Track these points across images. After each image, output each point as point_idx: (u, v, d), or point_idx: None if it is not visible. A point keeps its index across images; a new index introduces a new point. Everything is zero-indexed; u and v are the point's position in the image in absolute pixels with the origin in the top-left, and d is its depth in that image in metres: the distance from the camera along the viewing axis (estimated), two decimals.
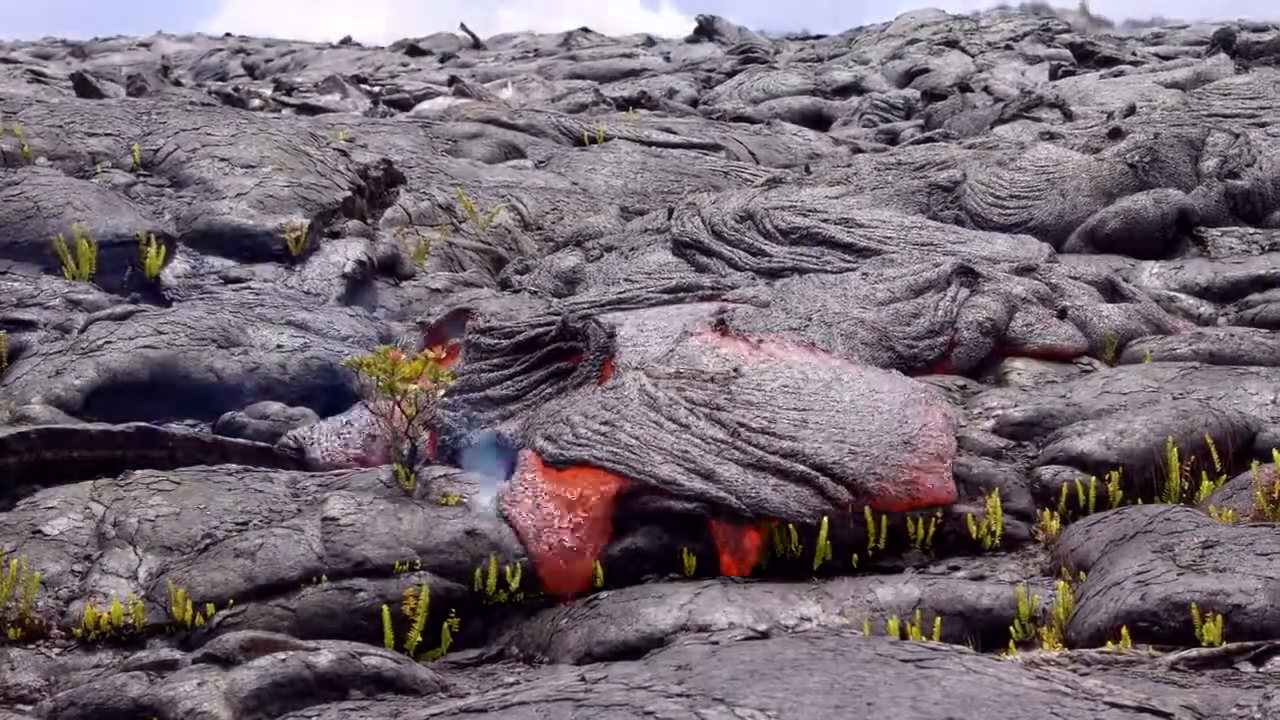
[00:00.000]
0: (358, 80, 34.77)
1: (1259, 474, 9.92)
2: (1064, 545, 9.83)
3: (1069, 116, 23.47)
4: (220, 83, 36.40)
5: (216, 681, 7.76)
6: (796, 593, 9.38)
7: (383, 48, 51.31)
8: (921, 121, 29.36)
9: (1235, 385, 11.45)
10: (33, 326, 13.50)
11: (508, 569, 9.79)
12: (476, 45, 50.14)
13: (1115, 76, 30.60)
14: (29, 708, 8.53)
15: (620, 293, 13.99)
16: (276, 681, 7.78)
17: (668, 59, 42.84)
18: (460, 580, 9.88)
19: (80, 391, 12.42)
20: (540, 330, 11.54)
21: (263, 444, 11.66)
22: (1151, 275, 15.40)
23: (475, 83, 32.99)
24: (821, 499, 9.93)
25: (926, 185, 17.76)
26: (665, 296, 13.70)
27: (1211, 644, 7.97)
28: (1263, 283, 14.96)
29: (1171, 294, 14.80)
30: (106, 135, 17.48)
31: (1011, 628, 9.02)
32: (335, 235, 16.36)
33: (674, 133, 25.17)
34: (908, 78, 35.22)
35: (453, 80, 33.35)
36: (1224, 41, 33.00)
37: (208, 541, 9.99)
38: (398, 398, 10.60)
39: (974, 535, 10.11)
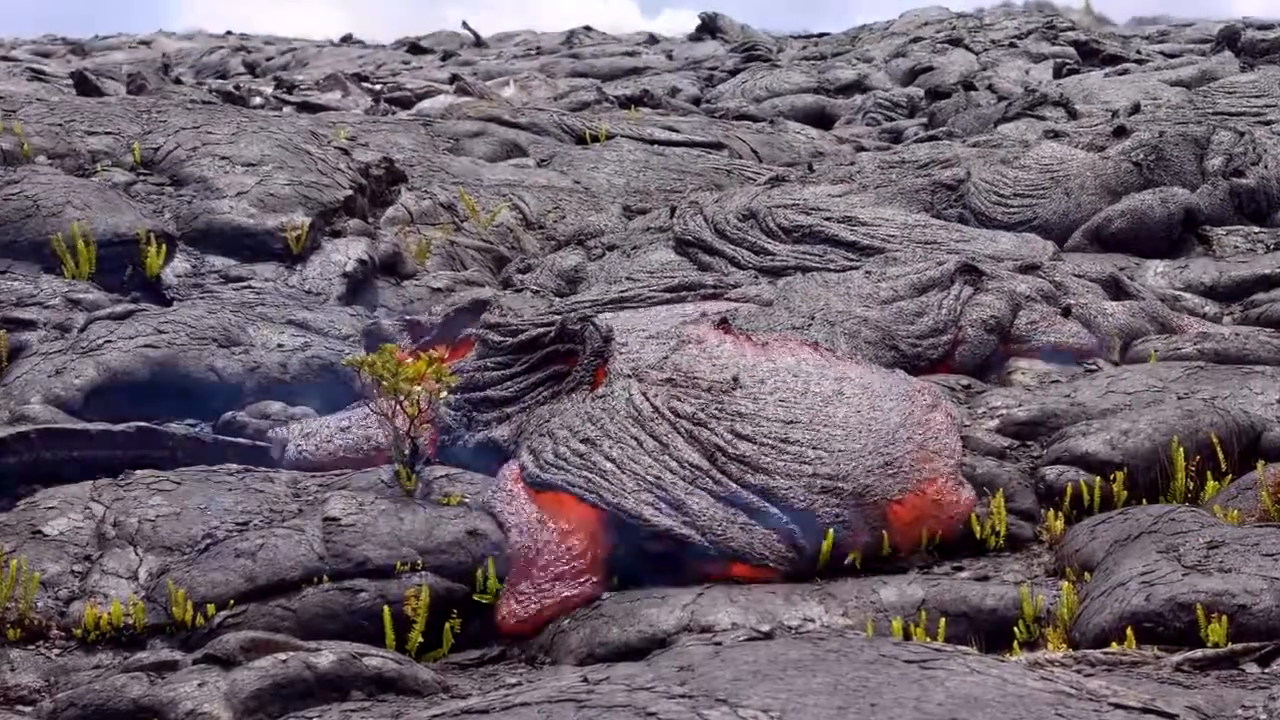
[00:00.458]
0: (359, 78, 34.72)
1: (1264, 474, 9.91)
2: (1068, 545, 9.80)
3: (1073, 115, 23.43)
4: (221, 81, 36.38)
5: (217, 682, 7.74)
6: (800, 593, 9.35)
7: (384, 45, 51.32)
8: (925, 120, 29.32)
9: (1240, 385, 11.42)
10: (32, 326, 13.47)
11: None
12: (478, 43, 50.13)
13: (1120, 74, 30.57)
14: (29, 708, 8.52)
15: (622, 291, 13.96)
16: (277, 682, 7.75)
17: (670, 57, 42.82)
18: (462, 581, 9.86)
19: (80, 391, 12.39)
20: (541, 330, 11.44)
21: (263, 444, 11.64)
22: (1156, 274, 15.39)
23: (477, 81, 32.95)
24: (788, 546, 9.71)
25: (930, 184, 17.74)
26: (668, 295, 13.66)
27: (1217, 645, 7.96)
28: (1268, 282, 14.94)
29: (1176, 293, 14.79)
30: (106, 133, 17.46)
31: (1016, 628, 8.99)
32: (336, 234, 16.33)
33: (676, 131, 25.15)
34: (911, 76, 35.19)
35: (454, 78, 33.31)
36: (1229, 39, 32.99)
37: (208, 542, 9.97)
38: (400, 398, 10.56)
39: (978, 535, 10.07)
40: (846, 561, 9.68)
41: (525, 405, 11.06)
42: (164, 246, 15.08)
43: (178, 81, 31.32)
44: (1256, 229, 16.63)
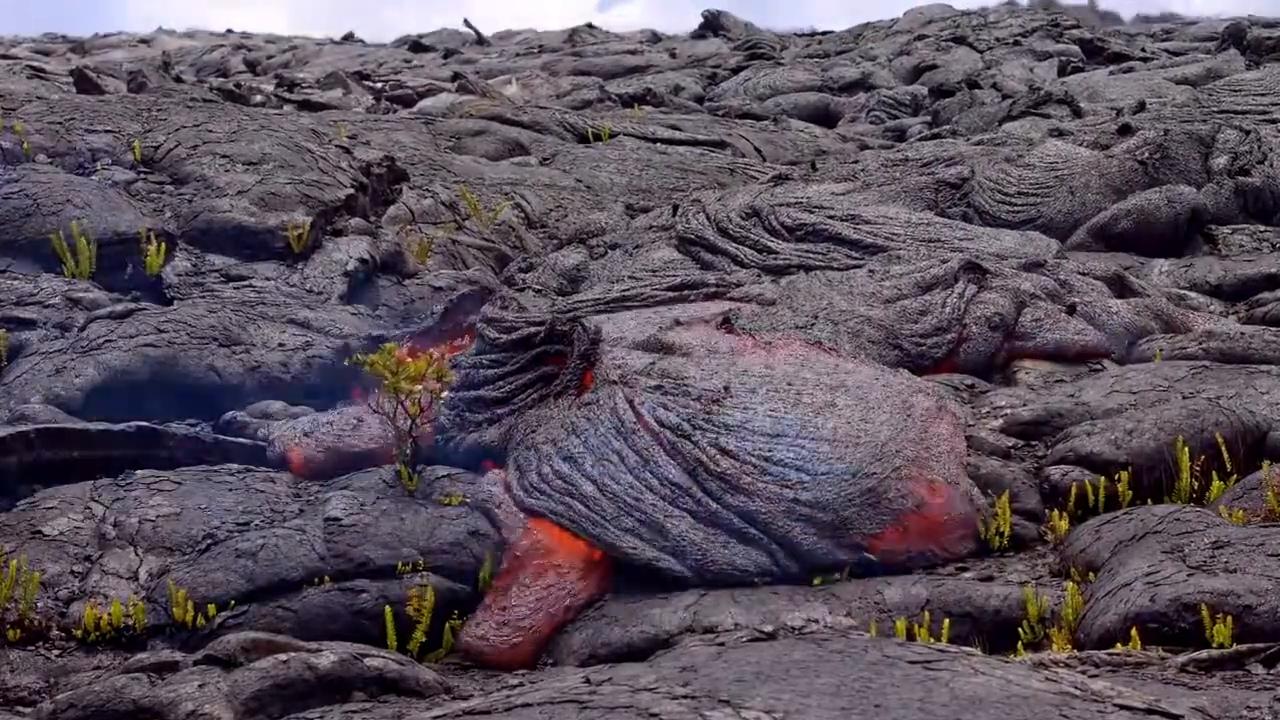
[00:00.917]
0: (360, 76, 34.73)
1: (1270, 474, 9.88)
2: (1073, 546, 9.77)
3: (1078, 113, 23.39)
4: (221, 79, 36.33)
5: (218, 683, 7.71)
6: (803, 594, 9.34)
7: (385, 44, 51.36)
8: (929, 118, 29.28)
9: (1246, 384, 11.38)
10: (32, 325, 13.42)
11: None
12: (480, 41, 50.13)
13: (1125, 73, 30.53)
14: (28, 710, 8.50)
15: (624, 290, 13.92)
16: (278, 683, 7.72)
17: (673, 55, 42.79)
18: (464, 581, 9.84)
19: (80, 390, 12.35)
20: (533, 330, 11.29)
21: (264, 443, 11.60)
22: (1161, 273, 15.35)
23: (479, 79, 32.93)
24: (771, 562, 9.62)
25: (934, 182, 17.71)
26: (670, 294, 13.62)
27: (1222, 645, 7.92)
28: (1273, 281, 14.92)
29: (1182, 292, 14.74)
30: (107, 132, 17.40)
31: (1020, 629, 8.96)
32: (337, 233, 16.28)
33: (679, 129, 25.11)
34: (915, 74, 35.13)
35: (456, 76, 33.30)
36: (1235, 37, 32.93)
37: (209, 542, 9.96)
38: (402, 397, 10.53)
39: (982, 535, 10.04)
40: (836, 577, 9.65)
41: (515, 407, 10.90)
42: (164, 245, 15.03)
43: (178, 80, 31.28)
44: (1262, 228, 16.59)
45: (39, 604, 9.40)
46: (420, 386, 10.45)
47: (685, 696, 6.13)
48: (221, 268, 15.22)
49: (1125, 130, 18.10)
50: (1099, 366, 12.62)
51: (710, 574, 9.55)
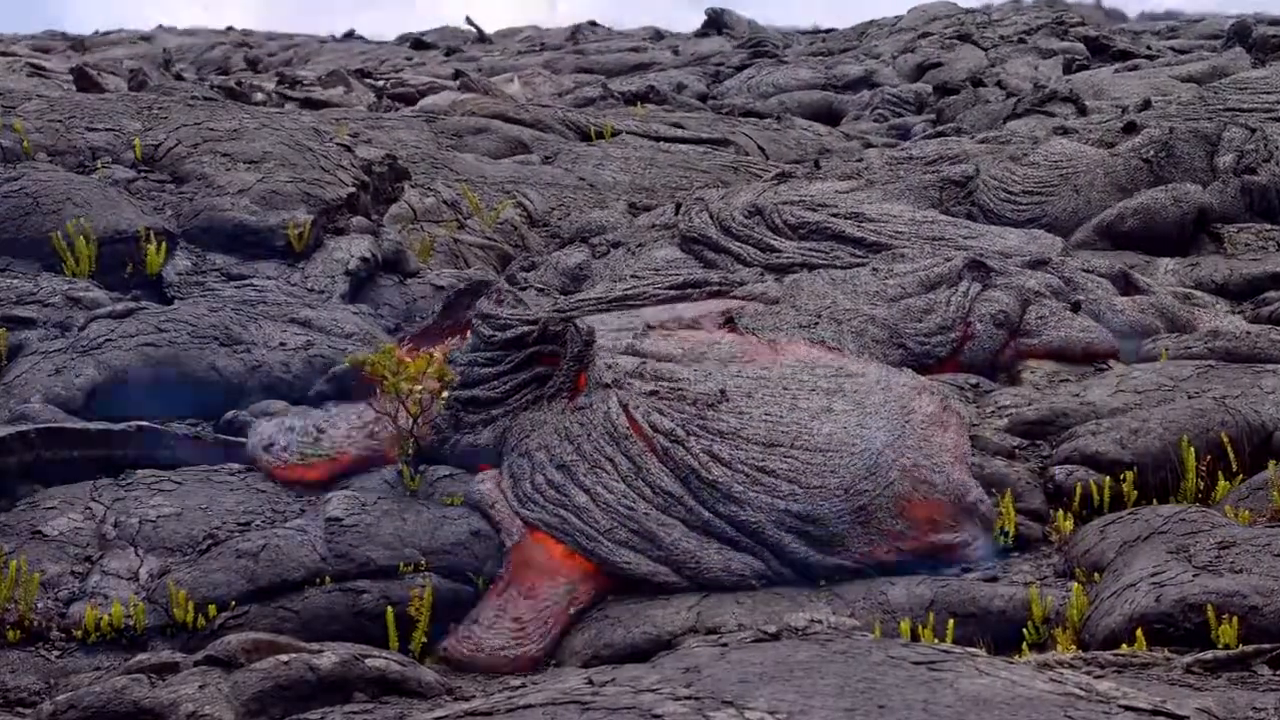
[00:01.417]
0: (362, 74, 34.68)
1: (1276, 473, 9.84)
2: (1078, 546, 9.74)
3: (1083, 111, 23.32)
4: (222, 77, 36.26)
5: (219, 684, 7.69)
6: (806, 594, 9.32)
7: (387, 41, 51.36)
8: (933, 116, 29.22)
9: (1252, 384, 11.33)
10: (32, 324, 13.40)
11: None
12: (482, 39, 50.11)
13: (1130, 70, 30.45)
14: (28, 711, 8.49)
15: (627, 289, 13.86)
16: (279, 684, 7.70)
17: (676, 53, 42.76)
18: (466, 581, 9.84)
19: (80, 390, 12.32)
20: (526, 329, 11.20)
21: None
22: (1167, 272, 15.31)
23: (481, 77, 32.89)
24: (766, 567, 9.59)
25: (938, 180, 17.66)
26: (673, 293, 13.57)
27: (1228, 646, 7.89)
28: (1279, 280, 14.85)
29: (1187, 291, 14.69)
30: (107, 130, 17.36)
31: (1025, 629, 8.95)
32: (339, 231, 16.23)
33: (682, 127, 25.08)
34: (919, 72, 35.07)
35: (458, 74, 33.26)
36: (1240, 35, 32.87)
37: (210, 542, 9.94)
38: (403, 397, 10.50)
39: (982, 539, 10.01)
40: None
41: (510, 408, 10.83)
42: (165, 244, 15.00)
43: (179, 77, 31.28)
44: (1268, 226, 16.52)
45: (39, 604, 9.38)
46: (420, 386, 10.42)
47: (688, 697, 6.10)
48: (222, 266, 15.19)
49: (1130, 128, 18.04)
50: (1104, 366, 12.57)
51: (706, 581, 9.52)
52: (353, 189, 17.04)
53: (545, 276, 16.34)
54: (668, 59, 41.34)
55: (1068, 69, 32.28)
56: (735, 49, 41.54)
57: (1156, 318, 13.41)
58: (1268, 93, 20.14)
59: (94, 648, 9.21)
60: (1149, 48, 36.12)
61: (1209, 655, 7.72)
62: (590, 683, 6.57)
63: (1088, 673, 7.36)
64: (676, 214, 17.07)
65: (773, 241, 15.78)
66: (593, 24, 50.36)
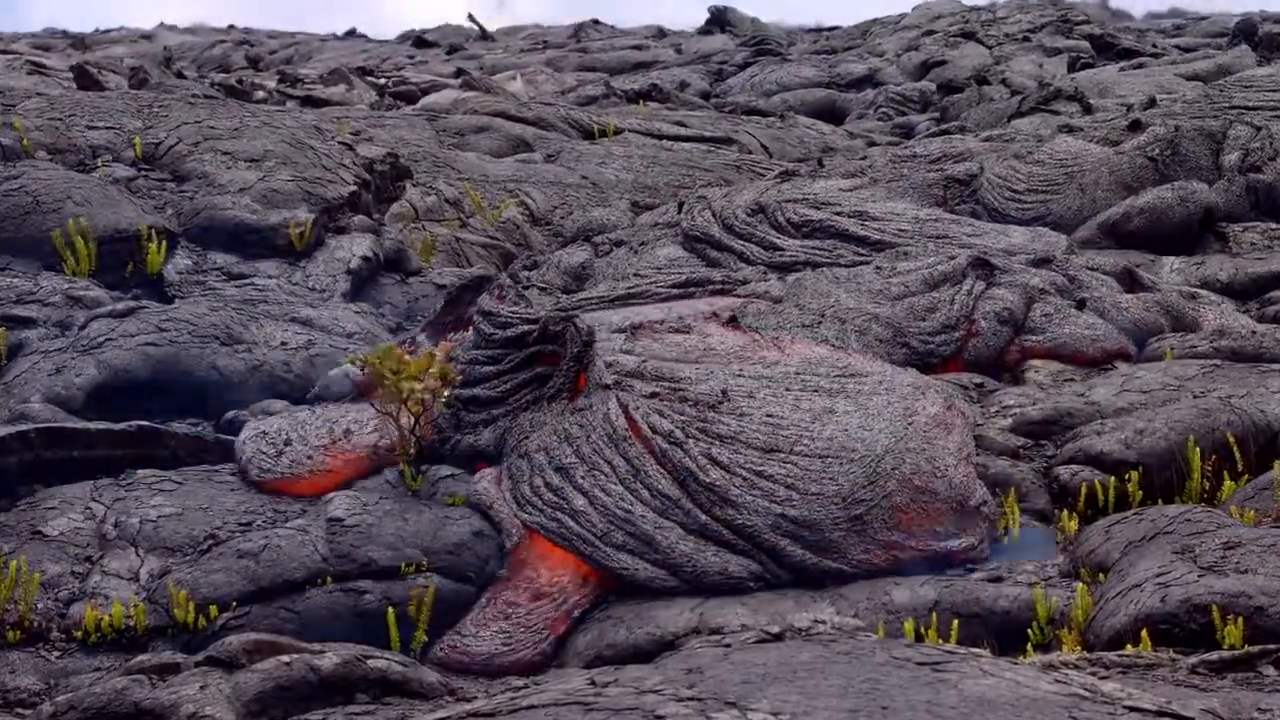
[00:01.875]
0: (363, 72, 34.66)
1: None
2: (1083, 546, 9.70)
3: (1088, 110, 23.26)
4: (223, 75, 36.20)
5: (219, 685, 7.65)
6: (810, 595, 9.29)
7: (389, 39, 51.36)
8: (937, 114, 29.18)
9: (1258, 383, 11.29)
10: (32, 323, 13.37)
11: None
12: (484, 37, 50.09)
13: (1135, 68, 30.42)
14: (28, 712, 8.48)
15: (629, 288, 13.83)
16: (280, 685, 7.67)
17: (679, 51, 42.74)
18: (468, 582, 9.81)
19: (81, 390, 12.29)
20: (527, 328, 11.09)
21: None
22: (1172, 271, 15.27)
23: (483, 75, 32.86)
24: (763, 569, 9.54)
25: (942, 179, 17.62)
26: (675, 292, 13.53)
27: (1233, 647, 7.85)
28: None
29: (1193, 290, 14.64)
30: (107, 128, 17.32)
31: (1029, 630, 8.91)
32: (340, 230, 16.20)
33: (685, 126, 25.05)
34: (923, 70, 35.02)
35: (460, 72, 33.25)
36: (1246, 33, 32.83)
37: (210, 542, 9.92)
38: (404, 397, 10.46)
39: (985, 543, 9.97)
40: None
41: (510, 408, 10.76)
42: (165, 243, 14.98)
43: (180, 75, 31.20)
44: (1274, 225, 16.45)
45: (39, 605, 9.37)
46: (422, 385, 10.38)
47: (691, 698, 6.08)
48: (223, 265, 15.16)
49: (1135, 126, 17.99)
50: (1109, 365, 12.53)
51: (704, 584, 9.48)
52: (354, 188, 17.01)
53: (547, 275, 16.31)
54: (671, 57, 41.32)
55: (1072, 67, 32.23)
56: (738, 47, 41.51)
57: (1161, 315, 13.36)
58: (1273, 91, 20.09)
59: (94, 648, 9.19)
60: (1154, 46, 36.07)
61: (1214, 656, 7.69)
62: (593, 683, 6.55)
63: (1092, 673, 7.33)
64: (679, 212, 17.03)
65: (776, 240, 15.74)
66: (595, 22, 50.35)
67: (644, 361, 10.69)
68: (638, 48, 43.02)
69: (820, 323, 12.39)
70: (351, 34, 53.36)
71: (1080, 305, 13.16)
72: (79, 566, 9.77)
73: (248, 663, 7.83)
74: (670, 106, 29.68)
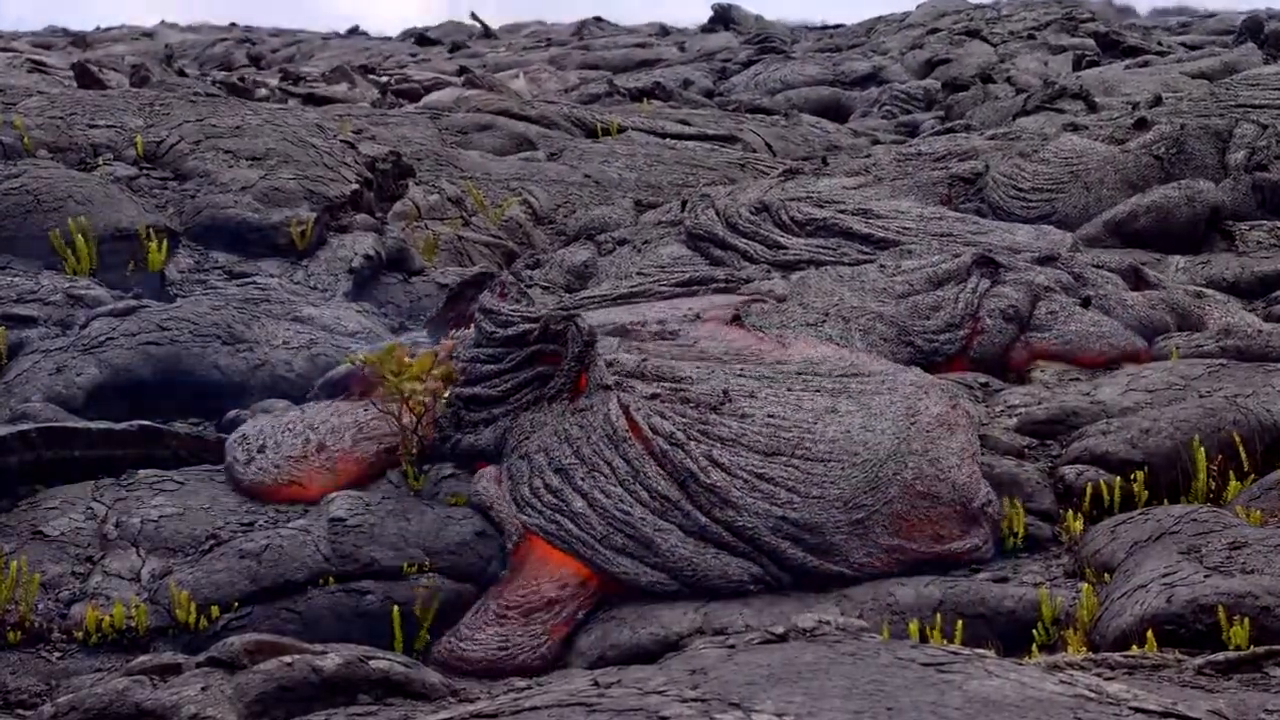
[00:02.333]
0: (365, 70, 34.66)
1: None
2: (1088, 546, 9.65)
3: (1093, 108, 23.24)
4: (225, 73, 36.18)
5: (221, 685, 7.60)
6: (814, 595, 9.25)
7: (391, 37, 51.37)
8: (942, 113, 29.14)
9: (1264, 382, 11.23)
10: (33, 322, 13.33)
11: None
12: (487, 34, 50.10)
13: (1141, 66, 30.37)
14: (29, 712, 8.44)
15: (632, 287, 13.78)
16: (282, 685, 7.62)
17: (682, 49, 42.72)
18: (471, 582, 9.76)
19: (81, 389, 12.24)
20: (527, 327, 10.99)
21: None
22: (1178, 270, 15.22)
23: (486, 73, 32.82)
24: (764, 572, 9.47)
25: (947, 177, 17.59)
26: (679, 290, 13.48)
27: (1239, 647, 7.79)
28: None
29: (1199, 290, 14.60)
30: (108, 127, 17.28)
31: (1034, 631, 8.86)
32: (342, 229, 16.17)
33: (689, 124, 25.03)
34: (928, 68, 34.99)
35: (463, 70, 33.23)
36: (1252, 30, 32.78)
37: (212, 542, 9.88)
38: (405, 396, 10.42)
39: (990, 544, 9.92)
40: None
41: (511, 408, 10.68)
42: (166, 242, 14.93)
43: (181, 74, 31.19)
44: None
45: (40, 605, 9.33)
46: (424, 385, 10.34)
47: (695, 699, 6.03)
48: (225, 264, 15.13)
49: (1141, 125, 17.95)
50: (1117, 365, 12.47)
51: (704, 588, 9.41)
52: (356, 186, 16.97)
53: (550, 274, 16.28)
54: (674, 55, 41.30)
55: (1078, 65, 32.18)
56: (742, 45, 41.49)
57: (1167, 313, 13.30)
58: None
59: (95, 649, 9.14)
60: (1160, 44, 36.02)
61: (1220, 657, 7.62)
62: (596, 684, 6.50)
63: (1098, 674, 7.28)
64: (683, 211, 17.00)
65: (780, 238, 15.70)
66: (598, 20, 50.36)
67: (644, 360, 10.61)
68: (641, 45, 43.02)
69: (824, 321, 12.34)
70: (354, 32, 53.38)
71: (1085, 303, 13.10)
72: (80, 567, 9.74)
73: (249, 663, 7.78)
74: (674, 105, 29.67)
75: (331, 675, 7.69)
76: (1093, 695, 6.26)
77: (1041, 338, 12.70)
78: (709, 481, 9.66)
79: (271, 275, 15.00)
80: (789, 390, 10.33)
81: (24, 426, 10.93)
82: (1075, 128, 18.77)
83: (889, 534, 9.62)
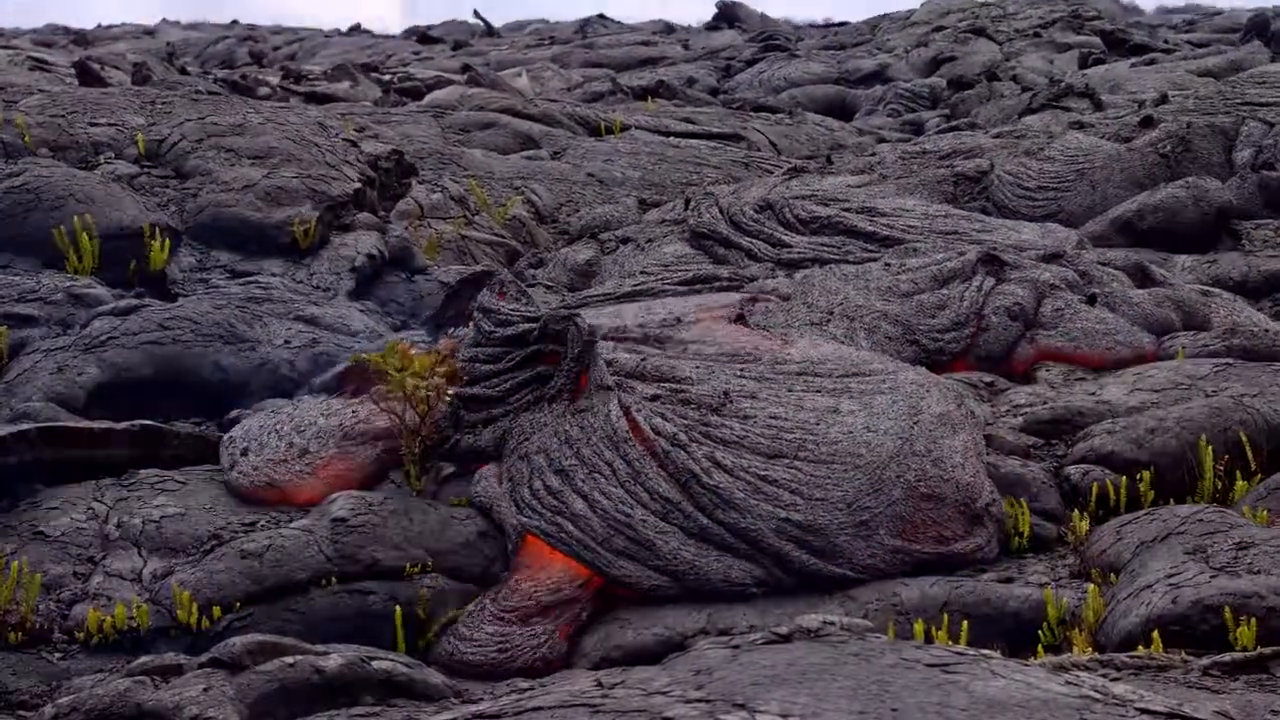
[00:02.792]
0: (368, 69, 34.64)
1: None
2: (1094, 546, 9.62)
3: (1099, 106, 23.19)
4: (227, 71, 36.17)
5: (223, 686, 7.60)
6: (818, 596, 9.22)
7: (393, 35, 51.40)
8: (947, 111, 29.09)
9: (1271, 382, 11.21)
10: (34, 322, 13.30)
11: None
12: (490, 33, 50.10)
13: (1147, 64, 30.35)
14: (30, 713, 8.44)
15: (635, 285, 13.77)
16: (284, 686, 7.62)
17: (686, 47, 42.70)
18: (474, 582, 9.74)
19: (83, 389, 12.21)
20: (526, 326, 10.94)
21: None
22: (1184, 269, 15.19)
23: (489, 71, 32.78)
24: (766, 574, 9.44)
25: (952, 175, 17.57)
26: (682, 289, 13.46)
27: (1245, 648, 7.78)
28: None
29: (1205, 289, 14.56)
30: (110, 125, 17.25)
31: (1040, 631, 8.84)
32: (345, 228, 16.14)
33: (693, 122, 25.01)
34: (933, 66, 34.94)
35: (466, 68, 33.18)
36: (1259, 28, 32.75)
37: (214, 543, 9.87)
38: (409, 392, 10.39)
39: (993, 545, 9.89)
40: None
41: (510, 408, 10.63)
42: (168, 240, 14.90)
43: (183, 72, 31.20)
44: None
45: (41, 606, 9.31)
46: (426, 384, 10.31)
47: (699, 700, 6.01)
48: (227, 263, 15.10)
49: (1147, 123, 17.93)
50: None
51: (707, 591, 9.38)
52: (359, 185, 16.94)
53: (554, 273, 16.27)
54: (678, 53, 41.27)
55: (1083, 63, 32.14)
56: (746, 43, 41.47)
57: (1173, 311, 13.26)
58: None
59: (96, 649, 9.12)
60: (1166, 42, 35.99)
61: (1226, 657, 7.62)
62: (600, 685, 6.49)
63: (1104, 675, 7.27)
64: (686, 209, 16.98)
65: (784, 237, 15.68)
66: (602, 17, 50.37)
67: (645, 360, 10.55)
68: (645, 44, 42.99)
69: (829, 320, 12.31)
70: (356, 30, 53.38)
71: (1091, 300, 13.07)
72: (81, 567, 9.72)
73: (251, 664, 7.78)
74: (677, 103, 29.65)
75: (334, 676, 7.70)
76: (1098, 696, 6.24)
77: (1047, 335, 12.66)
78: (711, 483, 9.61)
79: (274, 274, 14.96)
80: (790, 390, 10.27)
81: (24, 426, 10.90)
82: (1081, 126, 18.76)
83: (893, 535, 9.58)
